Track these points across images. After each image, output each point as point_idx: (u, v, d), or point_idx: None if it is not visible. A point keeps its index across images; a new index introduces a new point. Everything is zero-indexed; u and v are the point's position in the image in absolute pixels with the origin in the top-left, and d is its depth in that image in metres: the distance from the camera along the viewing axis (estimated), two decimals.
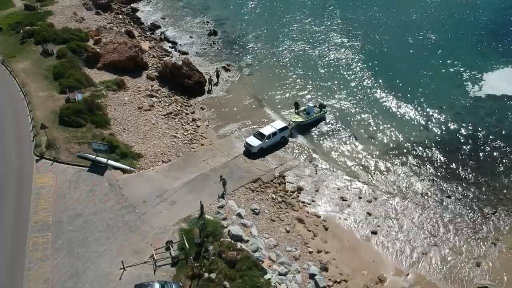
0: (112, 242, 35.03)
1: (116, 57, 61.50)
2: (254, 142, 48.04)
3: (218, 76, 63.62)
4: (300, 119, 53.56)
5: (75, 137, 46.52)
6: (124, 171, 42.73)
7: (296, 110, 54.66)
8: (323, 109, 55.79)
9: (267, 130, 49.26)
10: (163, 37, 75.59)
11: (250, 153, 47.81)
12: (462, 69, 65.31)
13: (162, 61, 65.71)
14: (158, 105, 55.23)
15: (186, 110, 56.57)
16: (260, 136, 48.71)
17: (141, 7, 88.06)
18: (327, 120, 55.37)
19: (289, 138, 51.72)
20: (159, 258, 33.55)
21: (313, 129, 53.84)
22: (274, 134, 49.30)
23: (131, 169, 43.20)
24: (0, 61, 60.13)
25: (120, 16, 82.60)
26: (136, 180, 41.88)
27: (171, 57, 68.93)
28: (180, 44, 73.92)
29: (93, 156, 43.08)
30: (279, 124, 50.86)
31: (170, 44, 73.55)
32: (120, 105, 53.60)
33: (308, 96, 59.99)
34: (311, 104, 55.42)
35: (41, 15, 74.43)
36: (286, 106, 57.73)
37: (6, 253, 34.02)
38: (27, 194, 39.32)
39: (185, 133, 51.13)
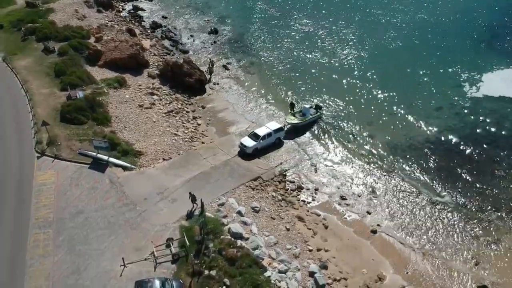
0: (113, 240, 35.10)
1: (117, 55, 61.74)
2: (249, 142, 47.63)
3: (212, 65, 65.24)
4: (295, 121, 52.95)
5: (76, 134, 46.65)
6: (125, 168, 42.81)
7: (292, 111, 54.32)
8: (319, 110, 55.24)
9: (262, 131, 48.81)
10: (164, 36, 75.76)
11: (245, 153, 47.51)
12: (460, 70, 65.30)
13: (163, 59, 65.89)
14: (159, 103, 55.39)
15: (187, 108, 56.74)
16: (255, 136, 48.26)
17: (142, 5, 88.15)
18: (327, 120, 55.23)
19: (284, 140, 51.12)
20: (159, 255, 33.61)
21: (312, 128, 53.78)
22: (269, 135, 48.85)
23: (132, 166, 43.28)
24: (1, 58, 60.30)
25: (121, 14, 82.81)
26: (137, 177, 41.96)
27: (172, 55, 69.13)
28: (181, 43, 74.19)
29: (94, 154, 43.18)
30: (274, 125, 50.30)
31: (171, 43, 73.78)
32: (121, 102, 53.74)
33: (307, 97, 60.06)
34: (307, 106, 55.17)
35: (43, 13, 74.76)
36: (284, 105, 57.68)
37: (7, 249, 34.11)
38: (28, 191, 39.44)
39: (186, 131, 51.25)
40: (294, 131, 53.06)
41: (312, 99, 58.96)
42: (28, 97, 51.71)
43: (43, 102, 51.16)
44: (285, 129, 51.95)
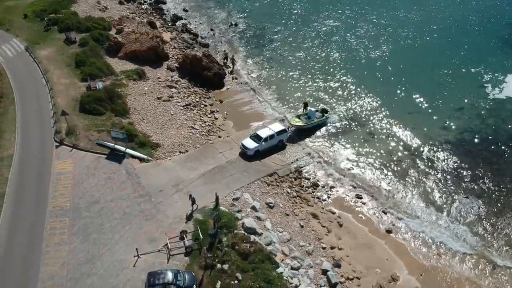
0: (127, 230, 35.38)
1: (138, 47, 62.06)
2: (250, 144, 46.26)
3: (226, 59, 65.64)
4: (300, 123, 51.52)
5: (94, 124, 47.09)
6: (141, 160, 43.08)
7: (304, 111, 53.60)
8: (325, 114, 53.85)
9: (264, 133, 47.34)
10: (184, 29, 75.92)
11: (246, 155, 46.24)
12: (483, 70, 64.11)
13: (182, 53, 66.04)
14: (177, 96, 55.58)
15: (205, 102, 56.80)
16: (257, 138, 46.87)
17: None
18: (344, 119, 54.71)
19: (286, 143, 49.71)
20: (173, 247, 33.76)
21: (329, 127, 53.29)
22: (271, 137, 47.36)
23: (149, 158, 43.55)
24: (24, 47, 61.19)
25: (143, 6, 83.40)
26: (153, 169, 42.18)
27: (192, 48, 69.25)
28: (201, 36, 74.29)
29: (112, 144, 43.54)
30: (277, 126, 48.86)
31: (191, 36, 73.88)
32: (140, 94, 54.08)
33: (323, 95, 59.44)
34: (313, 109, 53.89)
35: (66, 3, 75.56)
36: (299, 103, 57.18)
37: (24, 236, 34.63)
38: (46, 179, 39.99)
39: (203, 125, 51.34)
40: (302, 132, 51.92)
41: (329, 98, 58.46)
42: (48, 87, 52.34)
43: (63, 92, 51.76)
44: (289, 131, 50.39)
